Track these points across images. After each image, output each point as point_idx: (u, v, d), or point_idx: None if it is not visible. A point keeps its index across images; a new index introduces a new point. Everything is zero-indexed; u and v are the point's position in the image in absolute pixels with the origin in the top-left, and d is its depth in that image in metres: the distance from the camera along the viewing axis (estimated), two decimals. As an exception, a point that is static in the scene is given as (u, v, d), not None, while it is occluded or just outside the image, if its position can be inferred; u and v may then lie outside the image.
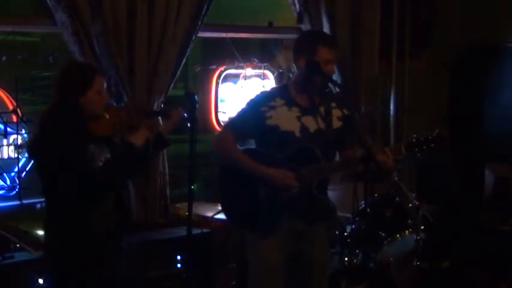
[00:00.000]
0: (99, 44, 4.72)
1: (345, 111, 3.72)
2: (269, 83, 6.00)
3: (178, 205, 5.28)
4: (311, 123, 3.65)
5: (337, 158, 3.85)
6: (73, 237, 3.41)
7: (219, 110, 5.79)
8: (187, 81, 6.30)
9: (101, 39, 4.72)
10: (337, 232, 4.68)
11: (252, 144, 3.82)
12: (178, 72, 5.12)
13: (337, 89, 4.09)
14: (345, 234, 4.70)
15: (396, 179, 4.86)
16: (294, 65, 3.80)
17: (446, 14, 6.34)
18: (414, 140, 3.53)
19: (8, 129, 4.79)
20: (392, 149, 3.59)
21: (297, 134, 3.63)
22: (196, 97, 3.58)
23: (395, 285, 4.58)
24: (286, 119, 3.64)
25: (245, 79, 5.90)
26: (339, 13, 5.83)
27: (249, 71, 5.92)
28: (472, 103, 6.07)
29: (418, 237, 4.69)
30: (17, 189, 4.82)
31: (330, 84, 3.73)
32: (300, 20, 5.79)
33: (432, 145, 3.51)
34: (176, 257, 4.75)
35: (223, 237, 4.97)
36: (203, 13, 5.14)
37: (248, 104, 3.75)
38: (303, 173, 3.56)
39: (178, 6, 4.99)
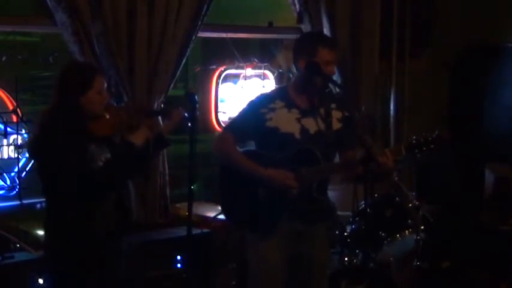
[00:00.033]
0: (99, 44, 4.72)
1: (345, 112, 3.72)
2: (269, 83, 6.00)
3: (178, 205, 5.28)
4: (311, 125, 3.65)
5: (337, 159, 3.85)
6: (73, 237, 3.41)
7: (219, 110, 5.78)
8: (187, 81, 6.30)
9: (101, 39, 4.72)
10: (337, 232, 4.68)
11: (252, 146, 3.82)
12: (178, 72, 5.12)
13: (337, 90, 4.09)
14: (345, 234, 4.70)
15: (396, 179, 4.86)
16: (293, 66, 3.80)
17: (446, 14, 6.35)
18: (414, 141, 3.53)
19: (8, 129, 4.79)
20: (392, 150, 3.58)
21: (297, 135, 3.63)
22: (196, 97, 3.58)
23: (395, 285, 4.58)
24: (286, 121, 3.64)
25: (245, 79, 5.90)
26: (339, 13, 5.83)
27: (249, 71, 5.91)
28: (472, 103, 6.07)
29: (418, 237, 4.69)
30: (17, 189, 4.82)
31: (330, 85, 3.73)
32: (300, 20, 5.79)
33: (432, 146, 3.50)
34: (176, 257, 4.75)
35: (223, 237, 4.97)
36: (203, 13, 5.14)
37: (248, 105, 3.75)
38: (303, 174, 3.56)
39: (178, 6, 4.99)
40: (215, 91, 5.78)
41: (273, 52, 6.29)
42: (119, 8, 4.76)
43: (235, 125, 3.80)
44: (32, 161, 4.63)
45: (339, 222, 4.71)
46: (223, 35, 5.74)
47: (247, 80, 5.90)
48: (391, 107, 6.36)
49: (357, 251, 4.65)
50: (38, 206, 4.79)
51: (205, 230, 4.93)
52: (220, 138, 3.88)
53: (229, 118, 5.63)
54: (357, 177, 3.72)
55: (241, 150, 3.77)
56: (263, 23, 5.95)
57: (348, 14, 5.89)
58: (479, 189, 5.97)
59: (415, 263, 4.78)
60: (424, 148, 3.51)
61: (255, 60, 5.98)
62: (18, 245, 4.60)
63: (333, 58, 3.65)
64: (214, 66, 5.83)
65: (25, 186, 4.78)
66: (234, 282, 4.80)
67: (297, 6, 5.76)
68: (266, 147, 3.67)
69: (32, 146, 3.55)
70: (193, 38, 5.13)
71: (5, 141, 4.82)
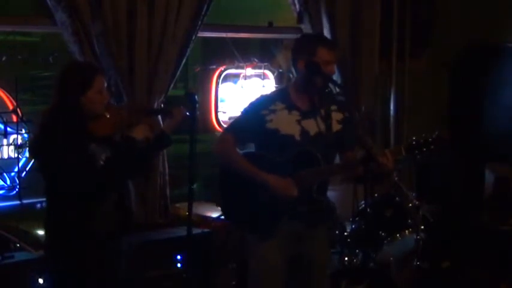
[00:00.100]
0: (99, 44, 4.72)
1: (345, 113, 3.72)
2: (269, 83, 6.00)
3: (178, 205, 5.28)
4: (311, 127, 3.65)
5: (337, 160, 3.85)
6: (73, 237, 3.41)
7: (219, 110, 5.79)
8: (187, 81, 6.30)
9: (101, 39, 4.72)
10: (337, 232, 4.68)
11: (252, 148, 3.82)
12: (178, 72, 5.12)
13: (338, 89, 4.09)
14: (345, 234, 4.70)
15: (396, 179, 4.86)
16: (292, 68, 3.80)
17: (446, 14, 6.35)
18: (414, 142, 3.53)
19: (8, 129, 4.79)
20: (392, 150, 3.58)
21: (297, 137, 3.63)
22: (196, 97, 3.58)
23: (395, 285, 4.58)
24: (287, 123, 3.64)
25: (245, 79, 5.90)
26: (339, 13, 5.83)
27: (249, 71, 5.91)
28: (472, 103, 6.07)
29: (418, 237, 4.69)
30: (17, 189, 4.82)
31: (330, 85, 3.73)
32: (300, 20, 5.79)
33: (432, 147, 3.51)
34: (176, 257, 4.75)
35: (223, 237, 4.97)
36: (203, 13, 5.14)
37: (248, 107, 3.76)
38: (303, 176, 3.56)
39: (178, 6, 4.99)
40: (215, 91, 5.78)
41: (273, 52, 6.29)
42: (119, 8, 4.76)
43: (236, 126, 3.80)
44: (32, 161, 4.63)
45: (339, 222, 4.71)
46: (223, 35, 5.74)
47: (247, 80, 5.90)
48: (391, 107, 6.36)
49: (357, 251, 4.65)
50: (38, 206, 4.79)
51: (205, 230, 4.93)
52: (220, 139, 3.88)
53: (229, 118, 5.64)
54: (357, 177, 3.72)
55: (241, 152, 3.77)
56: (263, 23, 5.95)
57: (348, 14, 5.89)
58: (479, 189, 5.97)
59: (415, 263, 4.78)
60: (424, 149, 3.51)
61: (255, 60, 5.98)
62: (18, 245, 4.59)
63: (333, 58, 3.65)
64: (214, 66, 5.84)
65: (25, 186, 4.78)
66: (234, 282, 4.80)
67: (297, 6, 5.76)
68: (266, 149, 3.67)
69: (32, 146, 3.55)
70: (193, 38, 5.13)
71: (5, 141, 4.82)
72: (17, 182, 4.83)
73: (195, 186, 3.62)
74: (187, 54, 5.12)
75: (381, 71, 6.19)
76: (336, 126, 3.68)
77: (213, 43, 6.25)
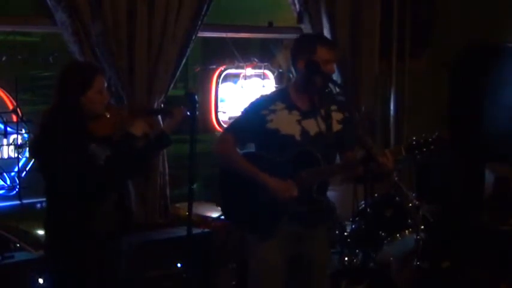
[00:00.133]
0: (99, 44, 4.72)
1: (345, 114, 3.72)
2: (269, 82, 6.00)
3: (178, 205, 5.28)
4: (311, 127, 3.65)
5: (337, 160, 3.85)
6: (73, 237, 3.41)
7: (219, 110, 5.78)
8: (187, 81, 6.30)
9: (101, 39, 4.72)
10: (337, 232, 4.68)
11: (252, 148, 3.82)
12: (178, 72, 5.12)
13: (338, 89, 4.09)
14: (345, 234, 4.70)
15: (396, 179, 4.86)
16: (292, 68, 3.79)
17: (446, 14, 6.35)
18: (414, 142, 3.53)
19: (8, 129, 4.79)
20: (392, 150, 3.58)
21: (297, 137, 3.62)
22: (196, 97, 3.58)
23: (395, 285, 4.58)
24: (287, 123, 3.63)
25: (245, 79, 5.89)
26: (339, 13, 5.83)
27: (249, 70, 5.91)
28: (472, 103, 6.07)
29: (418, 237, 4.69)
30: (17, 189, 4.82)
31: (330, 85, 3.73)
32: (300, 20, 5.79)
33: (432, 147, 3.51)
34: (176, 257, 4.75)
35: (223, 237, 4.97)
36: (203, 13, 5.14)
37: (249, 107, 3.75)
38: (303, 177, 3.56)
39: (178, 6, 4.99)
40: (215, 91, 5.78)
41: (273, 52, 6.29)
42: (119, 8, 4.76)
43: (236, 126, 3.79)
44: (32, 161, 4.63)
45: (339, 222, 4.71)
46: (223, 35, 5.74)
47: (247, 80, 5.90)
48: (391, 107, 6.36)
49: (357, 251, 4.65)
50: (38, 206, 4.79)
51: (205, 230, 4.93)
52: (221, 140, 3.88)
53: (229, 118, 5.64)
54: (357, 177, 3.72)
55: (241, 152, 3.76)
56: (263, 23, 5.95)
57: (348, 14, 5.89)
58: (479, 189, 5.97)
59: (415, 263, 4.78)
60: (424, 149, 3.51)
61: (255, 60, 5.98)
62: (18, 245, 4.59)
63: (332, 57, 3.65)
64: (214, 66, 5.84)
65: (25, 186, 4.78)
66: (234, 282, 4.80)
67: (297, 6, 5.76)
68: (266, 149, 3.67)
69: (32, 146, 3.56)
70: (193, 38, 5.13)
71: (5, 141, 4.82)
72: (17, 182, 4.83)
73: (195, 186, 3.62)
74: (187, 54, 5.12)
75: (381, 71, 6.19)
76: (336, 126, 3.68)
77: (213, 43, 6.25)
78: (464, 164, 6.08)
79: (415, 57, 6.40)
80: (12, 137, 4.82)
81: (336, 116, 3.69)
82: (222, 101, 5.83)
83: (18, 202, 4.77)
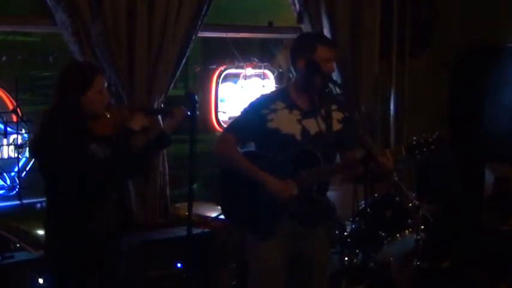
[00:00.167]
0: (99, 44, 4.72)
1: (345, 113, 3.72)
2: (269, 82, 6.00)
3: (178, 205, 5.28)
4: (312, 126, 3.65)
5: (337, 160, 3.85)
6: (73, 237, 3.41)
7: (219, 110, 5.78)
8: (187, 81, 6.29)
9: (101, 39, 4.72)
10: (337, 232, 4.68)
11: (252, 147, 3.81)
12: (178, 72, 5.12)
13: (338, 89, 4.09)
14: (345, 234, 4.70)
15: (396, 179, 4.86)
16: (292, 68, 3.79)
17: (446, 14, 6.35)
18: (414, 142, 3.53)
19: (8, 129, 4.79)
20: (392, 150, 3.58)
21: (298, 137, 3.62)
22: (196, 97, 3.58)
23: (395, 285, 4.58)
24: (287, 122, 3.63)
25: (245, 79, 5.90)
26: (339, 13, 5.83)
27: (249, 70, 5.91)
28: (472, 103, 6.07)
29: (418, 237, 4.69)
30: (17, 189, 4.82)
31: (330, 85, 3.73)
32: (300, 20, 5.79)
33: (432, 147, 3.51)
34: (176, 257, 4.75)
35: (223, 237, 4.96)
36: (203, 13, 5.14)
37: (249, 106, 3.75)
38: (304, 177, 3.56)
39: (178, 6, 4.99)
40: (215, 91, 5.78)
41: (273, 52, 6.29)
42: (119, 8, 4.76)
43: (236, 126, 3.79)
44: (33, 161, 4.63)
45: (339, 222, 4.71)
46: (223, 35, 5.74)
47: (247, 80, 5.90)
48: (391, 107, 6.36)
49: (357, 251, 4.64)
50: (38, 206, 4.80)
51: (205, 230, 4.92)
52: (221, 139, 3.87)
53: (229, 118, 5.64)
54: (357, 177, 3.72)
55: (241, 151, 3.76)
56: (263, 23, 5.95)
57: (348, 14, 5.89)
58: (479, 189, 5.97)
59: (415, 263, 4.78)
60: (425, 149, 3.51)
61: (255, 60, 5.99)
62: (18, 245, 4.60)
63: (332, 55, 3.64)
64: (214, 66, 5.84)
65: (25, 186, 4.78)
66: (234, 282, 4.80)
67: (297, 6, 5.76)
68: (267, 148, 3.67)
69: (32, 146, 3.56)
70: (193, 38, 5.13)
71: (5, 141, 4.82)
72: (17, 182, 4.84)
73: (195, 186, 3.62)
74: (187, 54, 5.12)
75: (381, 71, 6.19)
76: (337, 126, 3.68)
77: (213, 43, 6.25)
78: (464, 164, 6.08)
79: (415, 57, 6.40)
80: (12, 137, 4.82)
81: (336, 115, 3.69)
82: (222, 101, 5.83)
83: (18, 202, 4.77)
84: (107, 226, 3.49)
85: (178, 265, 4.76)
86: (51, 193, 3.46)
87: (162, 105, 4.96)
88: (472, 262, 5.23)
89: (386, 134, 6.31)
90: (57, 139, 3.31)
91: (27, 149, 4.74)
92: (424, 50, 6.44)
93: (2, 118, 4.74)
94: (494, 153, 5.93)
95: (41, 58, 5.20)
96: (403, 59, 6.37)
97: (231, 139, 3.72)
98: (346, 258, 4.60)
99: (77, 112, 3.39)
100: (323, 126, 3.63)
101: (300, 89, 3.70)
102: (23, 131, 4.81)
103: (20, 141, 4.80)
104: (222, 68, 5.81)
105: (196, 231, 4.47)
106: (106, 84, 3.55)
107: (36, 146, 3.49)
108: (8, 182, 4.85)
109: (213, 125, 5.76)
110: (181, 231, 4.45)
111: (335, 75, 5.63)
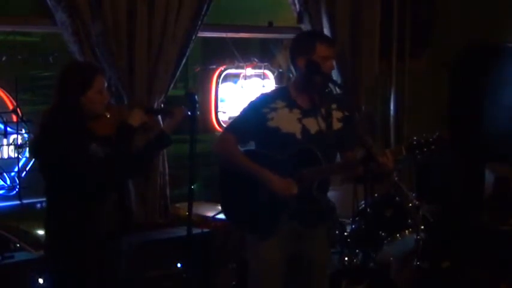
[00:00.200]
0: (99, 44, 4.72)
1: (346, 112, 3.72)
2: (269, 82, 6.00)
3: (178, 205, 5.28)
4: (312, 125, 3.65)
5: (338, 159, 3.85)
6: (73, 237, 3.41)
7: (219, 110, 5.78)
8: (187, 81, 6.29)
9: (101, 39, 4.72)
10: (337, 232, 4.68)
11: (252, 146, 3.81)
12: (178, 72, 5.12)
13: (338, 89, 4.09)
14: (345, 234, 4.69)
15: (396, 179, 4.86)
16: (291, 66, 3.79)
17: (446, 14, 6.34)
18: (415, 142, 3.53)
19: (8, 129, 4.79)
20: (392, 150, 3.58)
21: (298, 135, 3.62)
22: (196, 97, 3.58)
23: (395, 285, 4.58)
24: (287, 121, 3.63)
25: (245, 79, 5.90)
26: (339, 13, 5.83)
27: (249, 70, 5.91)
28: (472, 103, 6.07)
29: (418, 237, 4.69)
30: (17, 189, 4.82)
31: (330, 85, 3.73)
32: (300, 20, 5.79)
33: (433, 147, 3.51)
34: (176, 257, 4.75)
35: (223, 237, 4.96)
36: (203, 13, 5.14)
37: (249, 105, 3.75)
38: (304, 175, 3.56)
39: (178, 7, 4.99)
40: (215, 91, 5.78)
41: (273, 52, 6.29)
42: (119, 8, 4.76)
43: (237, 125, 3.79)
44: (33, 161, 4.63)
45: (339, 222, 4.70)
46: (223, 35, 5.74)
47: (247, 80, 5.90)
48: (391, 107, 6.36)
49: (357, 251, 4.64)
50: (38, 206, 4.80)
51: (205, 230, 4.92)
52: (221, 139, 3.88)
53: (229, 118, 5.64)
54: (357, 177, 3.71)
55: (242, 150, 3.76)
56: (263, 23, 5.95)
57: (348, 14, 5.89)
58: (479, 189, 5.97)
59: (415, 263, 4.78)
60: (425, 149, 3.51)
61: (255, 60, 5.99)
62: (18, 245, 4.60)
63: (331, 53, 3.64)
64: (214, 66, 5.84)
65: (25, 186, 4.78)
66: (234, 282, 4.79)
67: (297, 6, 5.76)
68: (267, 147, 3.67)
69: (32, 146, 3.56)
70: (193, 38, 5.13)
71: (5, 141, 4.82)
72: (17, 182, 4.84)
73: (195, 186, 3.62)
74: (187, 54, 5.12)
75: (381, 71, 6.19)
76: (337, 125, 3.68)
77: (213, 43, 6.25)
78: (464, 164, 6.08)
79: (415, 57, 6.40)
80: (12, 137, 4.82)
81: (336, 114, 3.69)
82: (222, 101, 5.83)
83: (18, 202, 4.77)
84: (107, 226, 3.49)
85: (178, 265, 4.76)
86: (51, 193, 3.46)
87: (162, 105, 4.96)
88: (472, 262, 5.23)
89: (386, 134, 6.30)
90: (57, 139, 3.31)
91: (27, 149, 4.74)
92: (424, 50, 6.44)
93: (2, 118, 4.73)
94: (494, 153, 5.93)
95: (41, 58, 5.20)
96: (403, 59, 6.36)
97: (231, 138, 3.72)
98: (346, 258, 4.60)
99: (77, 112, 3.39)
100: (323, 125, 3.63)
101: (300, 88, 3.70)
102: (23, 131, 4.81)
103: (20, 141, 4.80)
104: (222, 68, 5.81)
105: (196, 231, 4.47)
106: (106, 84, 3.54)
107: (36, 146, 3.49)
108: (8, 182, 4.85)
109: (213, 125, 5.76)
110: (181, 231, 4.45)
111: (335, 75, 5.64)
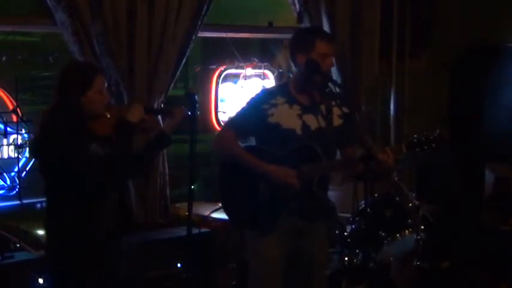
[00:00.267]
0: (99, 44, 4.72)
1: (345, 109, 3.72)
2: (269, 82, 6.00)
3: (178, 205, 5.28)
4: (312, 121, 3.65)
5: (338, 156, 3.86)
6: (73, 237, 3.41)
7: (219, 110, 5.79)
8: (187, 81, 6.29)
9: (101, 39, 4.72)
10: (337, 232, 4.68)
11: (252, 142, 3.82)
12: (178, 72, 5.12)
13: (337, 89, 4.09)
14: (345, 234, 4.70)
15: (396, 178, 4.86)
16: (291, 63, 3.79)
17: (446, 14, 6.35)
18: (415, 140, 3.53)
19: (8, 129, 4.79)
20: (393, 148, 3.59)
21: (298, 131, 3.63)
22: (196, 97, 3.58)
23: (395, 285, 4.58)
24: (288, 117, 3.64)
25: (245, 79, 5.90)
26: (339, 13, 5.82)
27: (249, 70, 5.92)
28: (472, 103, 6.07)
29: (418, 237, 4.69)
30: (17, 189, 4.82)
31: (330, 84, 3.73)
32: (300, 20, 5.79)
33: (433, 145, 3.51)
34: (176, 257, 4.75)
35: (223, 237, 4.97)
36: (203, 13, 5.14)
37: (249, 101, 3.75)
38: (304, 171, 3.56)
39: (178, 7, 4.99)
40: (215, 91, 5.79)
41: (273, 52, 6.29)
42: (119, 8, 4.76)
43: (237, 121, 3.79)
44: (33, 161, 4.63)
45: (339, 222, 4.71)
46: (223, 35, 5.75)
47: (247, 80, 5.91)
48: (391, 107, 6.36)
49: (357, 251, 4.64)
50: (38, 206, 4.80)
51: (205, 230, 4.92)
52: (221, 134, 3.89)
53: (230, 116, 5.63)
54: (357, 175, 3.72)
55: (242, 145, 3.77)
56: (263, 23, 5.95)
57: (348, 14, 5.88)
58: (479, 189, 5.97)
59: (415, 263, 4.78)
60: (425, 147, 3.52)
61: (255, 60, 5.99)
62: (18, 245, 4.60)
63: (331, 51, 3.65)
64: (214, 66, 5.84)
65: (25, 186, 4.78)
66: (234, 282, 4.80)
67: (297, 6, 5.76)
68: (267, 143, 3.67)
69: (32, 146, 3.56)
70: (193, 38, 5.13)
71: (5, 141, 4.82)
72: (17, 182, 4.84)
73: (195, 186, 3.62)
74: (187, 54, 5.12)
75: (381, 71, 6.19)
76: (337, 121, 3.69)
77: (213, 43, 6.25)
78: (464, 164, 6.08)
79: (415, 57, 6.40)
80: (12, 137, 4.82)
81: (336, 111, 3.69)
82: (222, 101, 5.83)
83: (18, 202, 4.77)
84: (107, 226, 3.49)
85: (178, 265, 4.76)
86: (51, 193, 3.46)
87: (162, 105, 4.96)
88: (472, 262, 5.23)
89: (386, 133, 6.30)
90: (57, 139, 3.31)
91: (27, 149, 4.74)
92: (424, 50, 6.44)
93: (2, 118, 4.74)
94: (494, 153, 5.93)
95: (41, 58, 5.20)
96: (403, 59, 6.36)
97: (231, 134, 3.73)
98: (346, 258, 4.60)
99: (77, 112, 3.39)
100: (323, 121, 3.64)
101: (299, 88, 3.70)
102: (23, 131, 4.81)
103: (20, 141, 4.80)
104: (222, 68, 5.82)
105: (196, 231, 4.48)
106: (106, 84, 3.54)
107: (36, 146, 3.49)
108: (8, 182, 4.85)
109: (213, 125, 5.77)
110: (181, 231, 4.45)
111: (335, 75, 5.65)
